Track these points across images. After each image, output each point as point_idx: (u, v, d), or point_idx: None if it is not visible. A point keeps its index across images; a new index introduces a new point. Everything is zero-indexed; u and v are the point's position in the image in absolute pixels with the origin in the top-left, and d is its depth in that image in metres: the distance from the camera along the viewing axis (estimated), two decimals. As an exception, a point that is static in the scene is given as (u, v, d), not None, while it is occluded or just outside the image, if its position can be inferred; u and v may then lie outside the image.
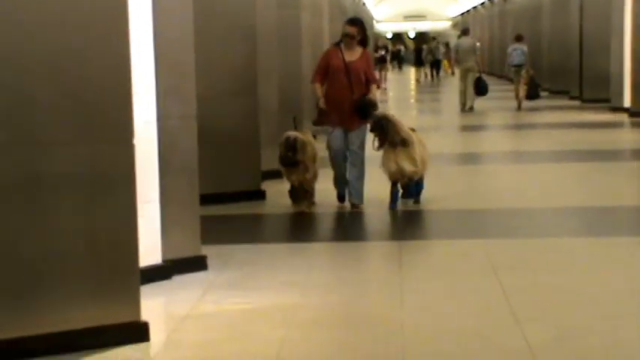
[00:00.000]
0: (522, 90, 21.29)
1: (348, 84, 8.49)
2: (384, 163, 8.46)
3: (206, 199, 7.64)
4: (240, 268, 6.50)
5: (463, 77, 21.04)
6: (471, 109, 20.75)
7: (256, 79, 9.51)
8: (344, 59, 8.54)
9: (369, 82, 8.64)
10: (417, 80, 38.35)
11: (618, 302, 5.51)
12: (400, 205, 8.60)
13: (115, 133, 4.87)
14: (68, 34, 4.72)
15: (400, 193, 8.64)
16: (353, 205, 8.56)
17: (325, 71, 8.58)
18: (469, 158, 13.34)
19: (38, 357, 4.60)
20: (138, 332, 4.88)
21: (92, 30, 4.78)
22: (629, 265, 6.50)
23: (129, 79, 4.93)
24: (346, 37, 8.61)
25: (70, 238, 4.76)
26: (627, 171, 11.52)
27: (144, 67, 6.02)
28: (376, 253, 7.27)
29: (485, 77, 21.28)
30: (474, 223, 8.09)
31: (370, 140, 8.65)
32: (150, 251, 6.06)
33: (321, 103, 8.55)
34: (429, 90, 32.56)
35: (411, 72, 46.39)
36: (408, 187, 8.65)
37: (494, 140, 15.69)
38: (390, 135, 8.40)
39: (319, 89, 8.62)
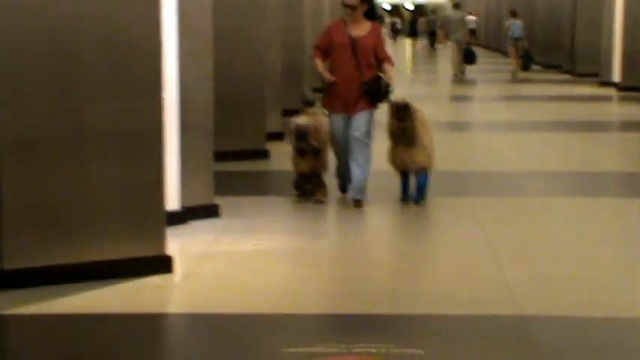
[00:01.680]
0: (517, 61, 22.42)
1: (354, 63, 7.35)
2: (397, 157, 7.53)
3: (216, 157, 8.27)
4: (250, 216, 7.17)
5: (454, 48, 22.27)
6: (461, 77, 21.80)
7: (262, 47, 10.14)
8: (349, 35, 7.38)
9: (379, 61, 7.46)
10: (414, 51, 38.96)
11: (588, 250, 6.22)
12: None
13: (146, 89, 5.52)
14: (107, 1, 5.36)
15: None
16: (355, 203, 7.42)
17: (326, 47, 7.47)
18: (461, 126, 13.99)
19: (79, 281, 5.27)
20: (163, 264, 5.56)
21: (128, -3, 5.42)
22: (601, 220, 7.24)
23: (159, 41, 5.59)
24: (346, 8, 7.44)
25: (108, 181, 5.43)
26: (609, 140, 12.23)
27: (168, 32, 6.63)
28: (374, 208, 7.91)
29: (474, 48, 22.31)
30: (461, 184, 8.75)
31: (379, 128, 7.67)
32: (169, 198, 6.71)
33: (328, 76, 7.39)
34: (423, 60, 33.17)
35: (405, 43, 46.93)
36: (418, 180, 7.57)
37: (486, 110, 16.34)
38: (407, 127, 7.43)
39: (320, 64, 7.48)
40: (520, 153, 10.82)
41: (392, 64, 7.55)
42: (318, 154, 7.56)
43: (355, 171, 7.38)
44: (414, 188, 7.59)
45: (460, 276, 5.59)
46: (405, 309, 4.99)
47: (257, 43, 9.91)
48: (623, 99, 17.36)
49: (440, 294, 5.22)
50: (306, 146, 7.50)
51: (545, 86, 20.60)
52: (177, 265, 5.64)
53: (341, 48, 7.38)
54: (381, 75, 7.41)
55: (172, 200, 6.79)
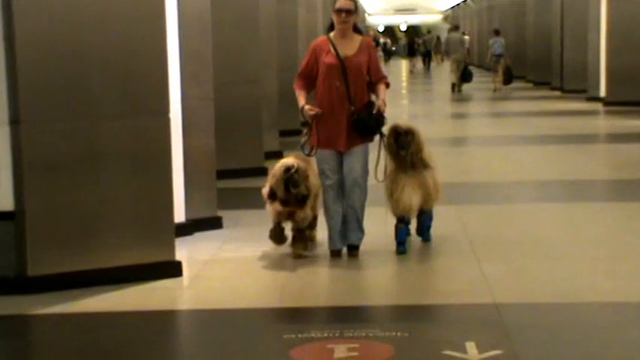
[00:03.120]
0: (500, 76, 24.42)
1: (344, 88, 6.28)
2: (398, 195, 6.48)
3: (218, 175, 8.78)
4: (250, 227, 7.69)
5: (453, 67, 24.42)
6: (459, 94, 23.83)
7: (258, 69, 10.71)
8: (337, 54, 6.33)
9: (372, 83, 6.42)
10: (411, 71, 39.93)
11: (560, 248, 6.74)
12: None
13: (154, 109, 6.07)
14: (117, 30, 5.91)
15: (411, 230, 6.82)
16: (350, 248, 6.52)
17: (311, 72, 6.39)
18: (454, 141, 14.54)
19: (93, 286, 5.79)
20: (173, 269, 6.10)
21: (136, 26, 5.97)
22: (575, 222, 7.77)
23: (165, 66, 6.15)
24: (340, 14, 6.30)
25: (121, 195, 5.97)
26: (594, 151, 12.78)
27: (171, 56, 7.18)
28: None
29: (470, 67, 23.95)
30: (450, 194, 9.24)
31: (375, 161, 6.55)
32: (176, 212, 7.23)
33: (307, 111, 6.29)
34: (419, 80, 33.82)
35: (399, 64, 47.73)
36: (422, 221, 6.80)
37: (479, 126, 16.95)
38: (411, 156, 6.45)
39: (302, 98, 6.37)
40: (509, 165, 11.37)
41: (387, 85, 6.52)
42: (303, 202, 6.40)
43: (351, 215, 6.46)
44: (413, 229, 6.87)
45: (444, 273, 6.12)
46: (393, 301, 5.51)
47: (253, 66, 10.46)
48: (608, 113, 17.96)
49: (425, 288, 5.76)
50: (299, 195, 6.33)
51: (535, 102, 21.21)
52: (186, 270, 6.17)
53: (328, 71, 6.31)
54: (373, 100, 6.43)
55: (179, 213, 7.32)
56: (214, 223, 7.70)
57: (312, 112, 6.32)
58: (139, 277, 5.96)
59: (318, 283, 6.02)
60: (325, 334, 4.80)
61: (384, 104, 6.41)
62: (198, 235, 7.42)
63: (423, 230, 6.89)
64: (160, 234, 6.11)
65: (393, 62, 51.44)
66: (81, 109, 5.86)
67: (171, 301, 5.69)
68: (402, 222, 6.53)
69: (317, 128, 6.37)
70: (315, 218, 6.83)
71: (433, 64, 42.14)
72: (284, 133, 13.22)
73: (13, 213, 5.79)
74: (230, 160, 10.17)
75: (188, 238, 7.27)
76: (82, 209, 5.88)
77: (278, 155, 10.83)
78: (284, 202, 6.36)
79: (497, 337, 4.71)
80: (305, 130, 6.59)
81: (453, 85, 24.26)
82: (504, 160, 11.90)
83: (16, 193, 5.79)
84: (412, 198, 6.47)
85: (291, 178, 6.28)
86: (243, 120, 10.49)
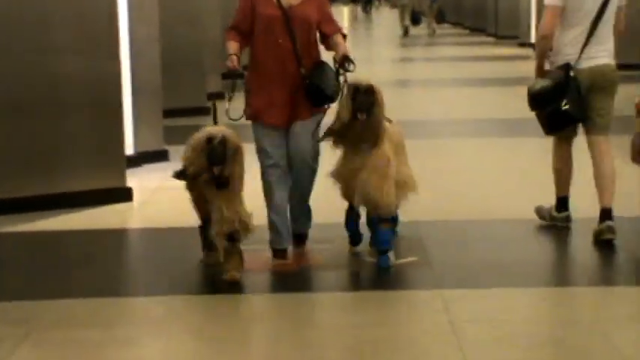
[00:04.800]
0: (432, 19, 27.58)
1: (290, 46, 5.04)
2: (350, 173, 5.03)
3: (164, 113, 9.30)
4: (195, 159, 8.25)
5: (401, 12, 26.88)
6: (407, 34, 26.19)
7: (200, 12, 11.19)
8: (280, 3, 5.10)
9: (325, 37, 5.19)
10: (354, 16, 41.52)
11: (479, 175, 7.54)
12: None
13: (106, 47, 6.59)
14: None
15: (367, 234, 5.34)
16: (298, 238, 5.35)
17: (246, 24, 5.14)
18: (393, 84, 15.19)
19: (53, 209, 6.35)
20: (124, 194, 6.69)
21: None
22: (496, 154, 8.60)
23: (115, 5, 6.67)
24: None
25: (76, 126, 6.52)
26: (520, 93, 13.48)
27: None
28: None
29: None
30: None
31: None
32: (125, 145, 7.79)
33: (231, 62, 4.99)
34: (362, 25, 34.46)
35: (340, 11, 48.39)
36: (378, 231, 5.10)
37: (416, 69, 17.68)
38: (372, 124, 4.91)
39: (232, 46, 5.09)
40: (441, 105, 12.14)
41: (344, 36, 5.23)
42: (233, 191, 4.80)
43: (295, 203, 5.29)
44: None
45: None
46: (323, 221, 6.13)
47: (195, 9, 10.94)
48: (538, 58, 18.76)
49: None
50: (223, 177, 4.73)
51: (470, 48, 21.99)
52: (136, 196, 6.75)
53: (268, 24, 5.08)
54: (324, 61, 5.14)
55: (129, 146, 7.86)
56: (161, 156, 8.27)
57: (231, 65, 5.01)
58: (93, 202, 6.53)
59: (257, 206, 6.61)
60: (263, 247, 5.44)
61: (344, 49, 5.11)
62: (146, 166, 7.98)
63: (379, 245, 5.06)
64: (112, 163, 6.69)
65: (334, 9, 51.99)
66: (40, 45, 6.35)
67: (123, 221, 6.29)
68: (353, 210, 5.25)
69: (251, 95, 5.10)
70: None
71: (373, 10, 43.34)
72: (226, 76, 13.70)
73: (-25, 141, 6.30)
74: (174, 99, 10.68)
75: (137, 169, 7.82)
76: (41, 139, 6.42)
77: (220, 96, 11.35)
78: (217, 183, 4.76)
79: (413, 247, 5.41)
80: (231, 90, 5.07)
81: (406, 29, 26.20)
82: (437, 100, 12.63)
83: (-22, 122, 6.29)
84: (362, 176, 4.92)
85: (213, 150, 4.67)
86: (186, 61, 10.98)
